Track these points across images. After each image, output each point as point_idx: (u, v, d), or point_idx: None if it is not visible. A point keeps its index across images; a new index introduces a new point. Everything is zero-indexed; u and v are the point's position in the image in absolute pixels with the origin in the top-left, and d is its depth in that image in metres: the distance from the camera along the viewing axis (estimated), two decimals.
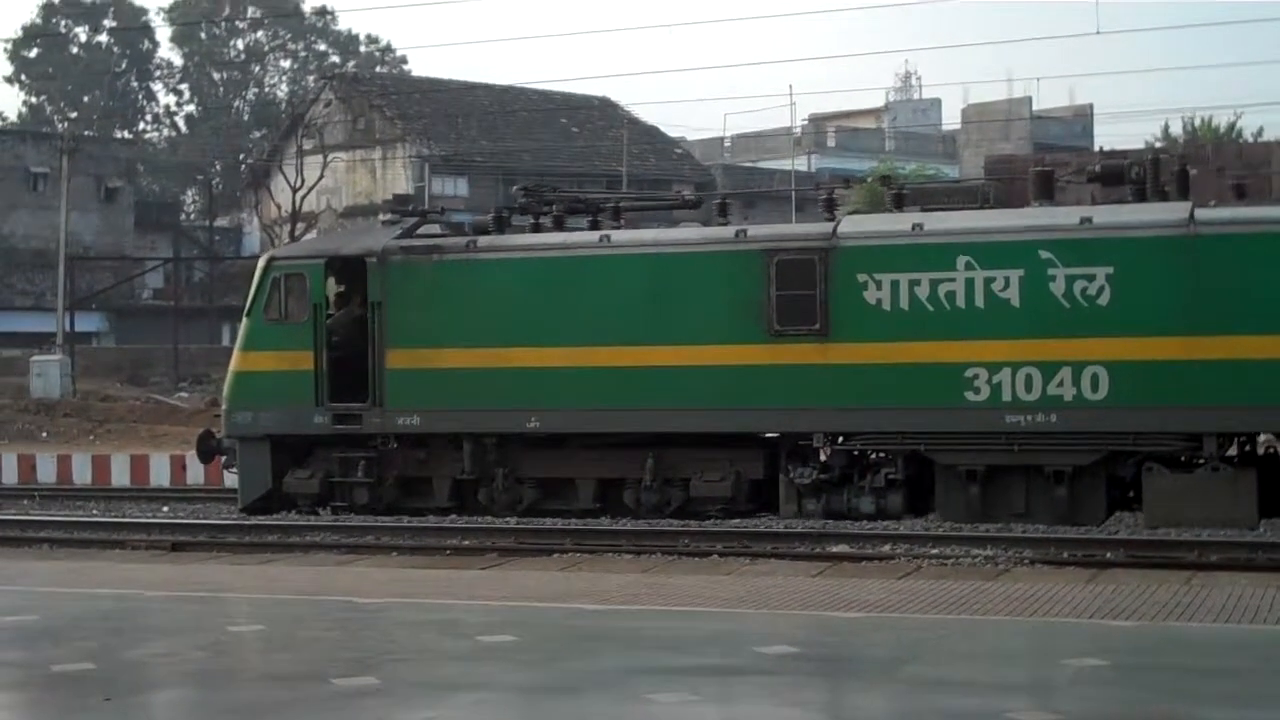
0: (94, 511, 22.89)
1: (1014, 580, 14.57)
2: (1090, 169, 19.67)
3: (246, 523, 19.89)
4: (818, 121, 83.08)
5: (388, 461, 20.67)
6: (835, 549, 16.83)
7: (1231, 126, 66.63)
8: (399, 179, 58.45)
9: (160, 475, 28.59)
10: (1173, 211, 17.75)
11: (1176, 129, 68.37)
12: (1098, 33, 75.33)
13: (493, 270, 19.93)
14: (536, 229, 20.57)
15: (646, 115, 72.17)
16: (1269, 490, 17.73)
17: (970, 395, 17.93)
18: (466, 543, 18.10)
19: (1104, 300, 17.56)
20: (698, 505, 19.35)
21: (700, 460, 19.34)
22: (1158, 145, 61.97)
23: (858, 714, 9.13)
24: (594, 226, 20.45)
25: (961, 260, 18.02)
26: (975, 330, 17.94)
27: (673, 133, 69.52)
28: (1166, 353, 17.38)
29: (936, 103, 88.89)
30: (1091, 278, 17.60)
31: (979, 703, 9.43)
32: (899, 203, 19.15)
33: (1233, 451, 17.92)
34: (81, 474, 29.69)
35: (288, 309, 20.73)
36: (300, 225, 54.03)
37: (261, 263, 21.60)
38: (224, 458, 21.92)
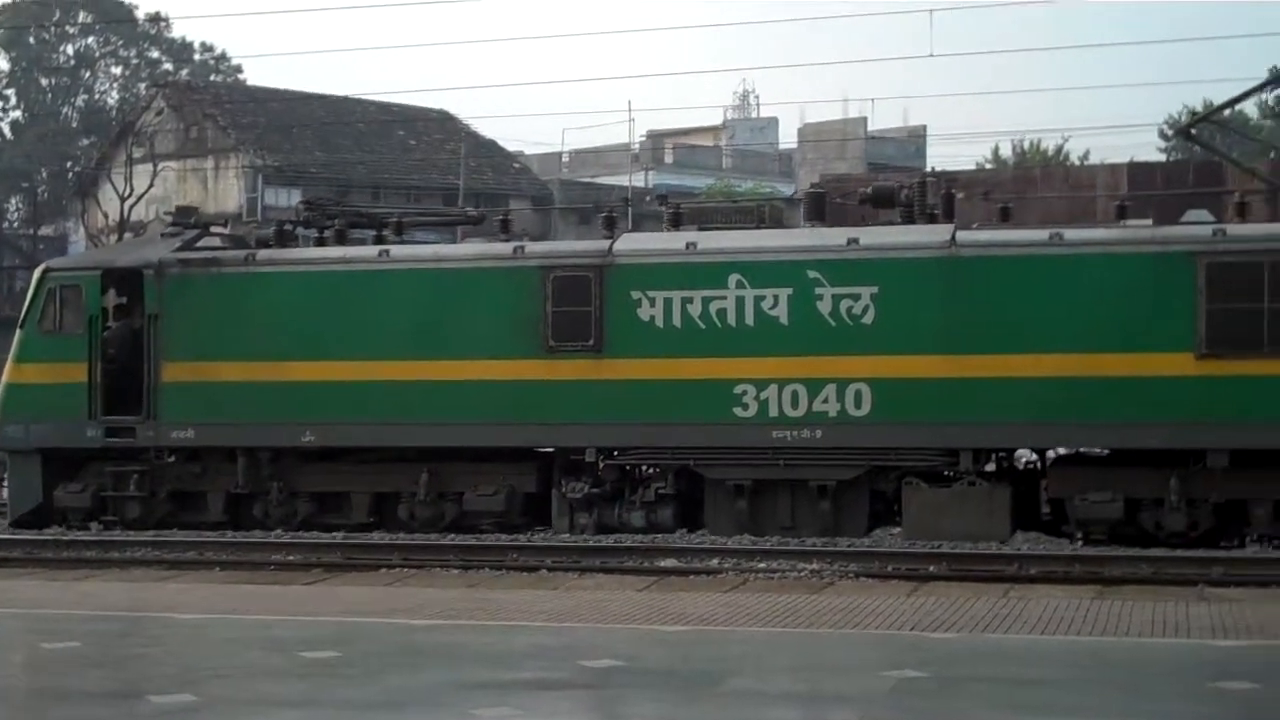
0: None
1: (838, 594, 14.75)
2: (862, 191, 20.12)
3: (64, 538, 19.46)
4: (656, 138, 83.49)
5: (161, 475, 20.46)
6: (663, 564, 16.91)
7: (1059, 150, 68.31)
8: (231, 189, 57.60)
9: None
10: (935, 234, 18.21)
11: (1006, 151, 70.00)
12: (931, 55, 76.55)
13: (271, 283, 19.87)
14: (320, 243, 20.53)
15: (485, 129, 72.08)
16: (1025, 504, 18.29)
17: (739, 411, 18.21)
18: (291, 558, 17.87)
19: (868, 319, 17.95)
20: (472, 519, 19.44)
21: (475, 474, 19.44)
22: (988, 166, 63.33)
23: None
24: (379, 240, 20.53)
25: (733, 279, 18.32)
26: (745, 348, 18.25)
27: (511, 147, 69.38)
28: (926, 370, 17.85)
29: (774, 122, 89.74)
30: (857, 297, 18.00)
31: (801, 715, 9.56)
32: (676, 222, 19.40)
33: (992, 467, 18.42)
34: None
35: (63, 320, 20.47)
36: (128, 235, 53.01)
37: (37, 273, 21.33)
38: None
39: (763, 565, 16.51)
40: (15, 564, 18.12)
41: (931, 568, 16.23)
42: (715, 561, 16.81)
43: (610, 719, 9.60)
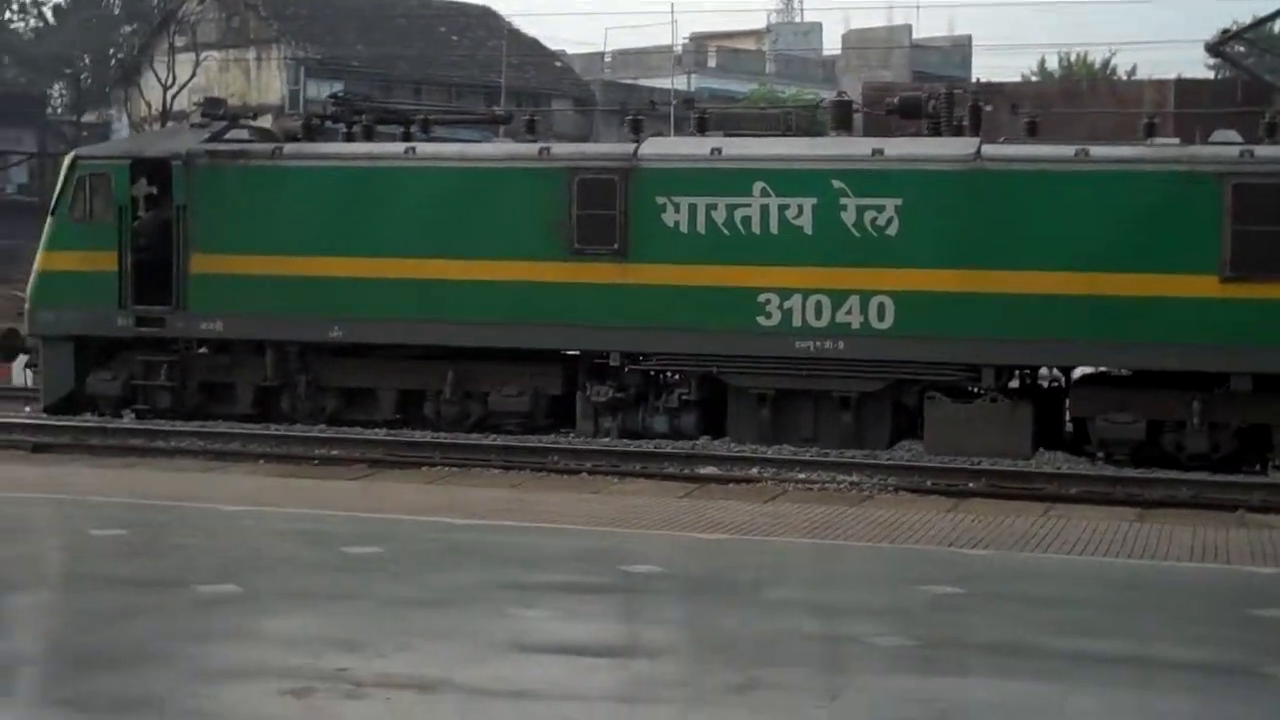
0: None
1: (877, 507, 14.82)
2: (889, 101, 19.88)
3: (110, 425, 19.64)
4: (699, 41, 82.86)
5: (191, 366, 20.57)
6: (703, 471, 16.97)
7: (1106, 64, 67.51)
8: (273, 80, 57.45)
9: (22, 374, 28.01)
10: (960, 146, 18.05)
11: (1053, 64, 69.23)
12: None
13: (298, 178, 19.86)
14: (349, 138, 20.56)
15: (527, 27, 71.59)
16: (1047, 422, 18.27)
17: (762, 320, 18.17)
18: (335, 453, 18.00)
19: (892, 231, 17.85)
20: (496, 419, 19.50)
21: (500, 375, 19.47)
22: (1034, 79, 62.68)
23: (719, 635, 9.26)
24: (406, 137, 20.50)
25: (758, 186, 18.21)
26: (769, 256, 18.16)
27: (553, 46, 68.98)
28: (949, 285, 17.74)
29: (818, 27, 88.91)
30: (881, 209, 17.88)
31: (839, 626, 9.63)
32: (702, 126, 19.32)
33: (1015, 384, 18.41)
34: None
35: (93, 209, 20.48)
36: (170, 124, 52.93)
37: (67, 161, 21.31)
38: (27, 356, 21.69)
39: (802, 476, 16.55)
40: (63, 450, 18.33)
41: (971, 484, 16.24)
42: (755, 470, 16.86)
43: (647, 624, 9.70)
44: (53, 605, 9.84)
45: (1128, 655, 8.86)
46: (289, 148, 20.15)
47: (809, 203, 18.01)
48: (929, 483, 16.28)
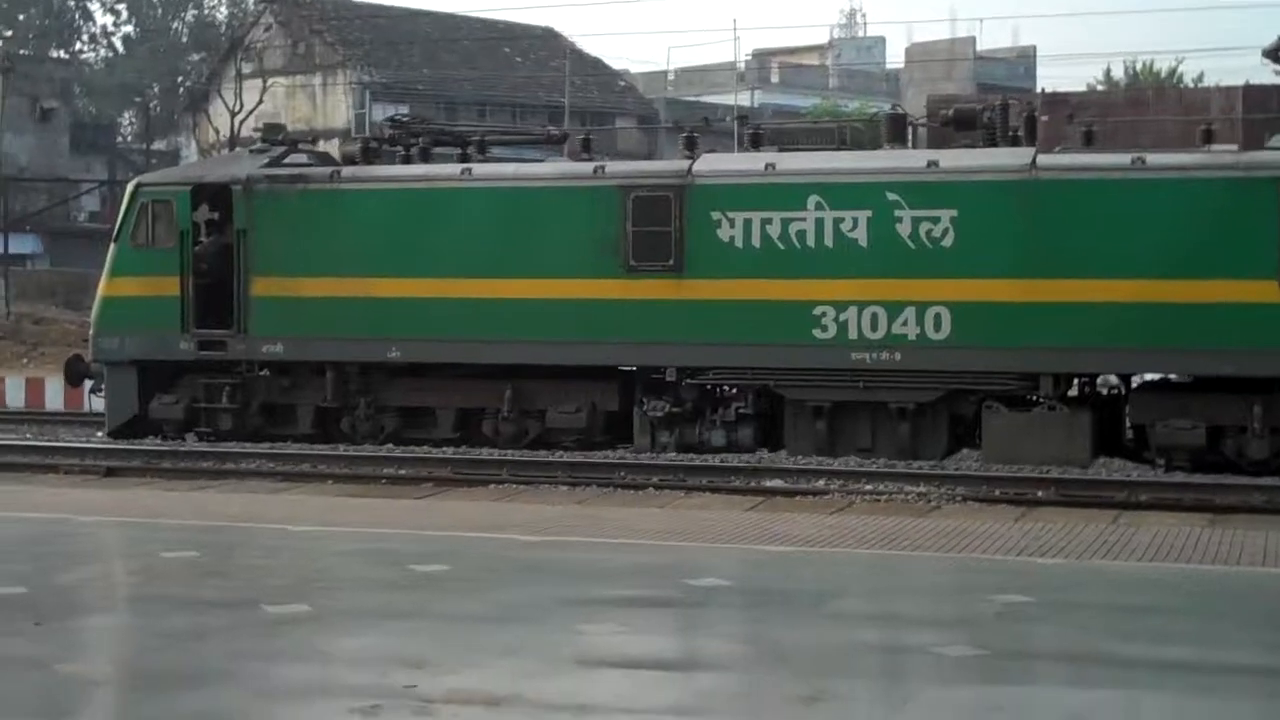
0: (27, 435, 22.74)
1: (944, 517, 14.75)
2: (943, 113, 19.85)
3: (181, 449, 19.85)
4: (762, 57, 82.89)
5: (252, 388, 20.80)
6: (769, 484, 16.96)
7: (1173, 71, 66.96)
8: (339, 105, 57.95)
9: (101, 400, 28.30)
10: (1016, 156, 18.03)
11: (1119, 73, 68.75)
12: None
13: (357, 201, 20.09)
14: (406, 160, 20.70)
15: (590, 47, 71.88)
16: (1107, 430, 18.16)
17: (818, 333, 18.21)
18: (402, 472, 18.12)
19: (948, 242, 17.85)
20: (554, 436, 19.61)
21: (557, 392, 19.59)
22: (1100, 88, 62.24)
23: (785, 647, 9.23)
24: (463, 158, 20.70)
25: (812, 200, 18.25)
26: (824, 269, 18.21)
27: (616, 65, 69.32)
28: (1006, 294, 17.74)
29: (881, 41, 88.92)
30: (936, 220, 17.87)
31: (905, 637, 9.58)
32: (756, 142, 19.33)
33: (1074, 393, 18.28)
34: (15, 397, 29.46)
35: (155, 235, 20.82)
36: (239, 149, 53.45)
37: (129, 188, 21.66)
38: (91, 382, 21.94)
39: (869, 487, 16.52)
40: (135, 473, 18.56)
41: (1040, 493, 16.16)
42: (821, 482, 16.84)
43: (713, 638, 9.68)
44: (126, 627, 9.94)
45: (1199, 662, 8.77)
46: (347, 171, 20.37)
47: (864, 215, 18.03)
48: (997, 492, 16.21)
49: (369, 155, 20.91)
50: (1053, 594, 10.71)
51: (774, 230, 18.37)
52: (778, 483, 17.00)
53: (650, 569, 11.65)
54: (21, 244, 57.36)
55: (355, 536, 13.20)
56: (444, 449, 19.53)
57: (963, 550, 12.60)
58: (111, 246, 21.39)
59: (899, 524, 14.02)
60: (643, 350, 19.04)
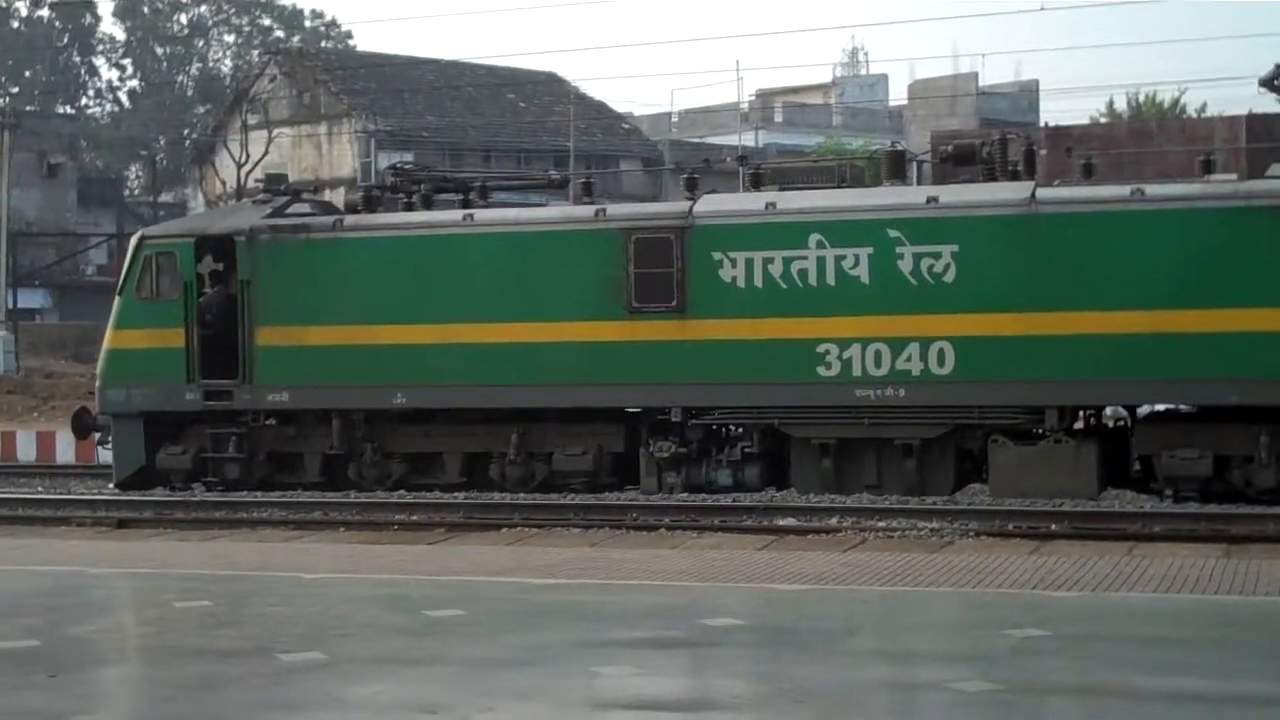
0: (39, 488, 22.76)
1: (958, 552, 14.71)
2: (942, 149, 19.92)
3: (193, 499, 19.86)
4: (765, 97, 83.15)
5: (258, 437, 20.84)
6: (782, 522, 16.93)
7: (1175, 102, 67.08)
8: (345, 154, 58.16)
9: (108, 452, 28.35)
10: (1015, 191, 18.09)
11: (1121, 104, 68.87)
12: (1041, 9, 75.36)
13: (360, 249, 20.17)
14: (409, 208, 20.77)
15: (593, 91, 72.10)
16: (1113, 461, 18.13)
17: (822, 371, 18.25)
18: (414, 518, 18.11)
19: (949, 277, 17.90)
20: (561, 479, 19.61)
21: (563, 435, 19.64)
22: (1103, 120, 62.35)
23: (800, 686, 9.20)
24: (465, 205, 20.79)
25: (813, 238, 18.31)
26: (826, 307, 18.27)
27: (620, 108, 69.44)
28: (1009, 328, 17.77)
29: (883, 78, 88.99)
30: (938, 255, 17.93)
31: (920, 673, 9.54)
32: (756, 182, 19.40)
33: (1080, 425, 18.27)
34: (26, 451, 29.50)
35: (159, 287, 20.92)
36: (234, 201, 53.65)
37: (134, 241, 21.78)
38: (98, 434, 21.98)
39: (882, 524, 16.48)
40: (147, 524, 18.56)
41: (1053, 526, 16.12)
42: (834, 520, 16.81)
43: (727, 677, 9.66)
44: (140, 678, 9.93)
45: (1216, 694, 8.72)
46: (349, 219, 20.46)
47: (865, 252, 18.08)
48: (1010, 526, 16.18)
49: (371, 204, 21.02)
50: (1068, 627, 10.67)
51: (776, 269, 18.41)
52: (790, 521, 16.97)
53: (664, 610, 11.62)
54: (30, 298, 57.56)
55: (369, 583, 13.19)
56: (455, 494, 19.51)
57: (977, 585, 12.56)
58: (116, 299, 21.48)
59: (912, 560, 13.99)
60: (647, 391, 19.08)
